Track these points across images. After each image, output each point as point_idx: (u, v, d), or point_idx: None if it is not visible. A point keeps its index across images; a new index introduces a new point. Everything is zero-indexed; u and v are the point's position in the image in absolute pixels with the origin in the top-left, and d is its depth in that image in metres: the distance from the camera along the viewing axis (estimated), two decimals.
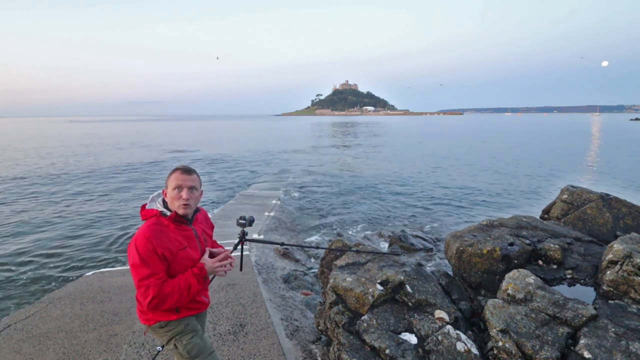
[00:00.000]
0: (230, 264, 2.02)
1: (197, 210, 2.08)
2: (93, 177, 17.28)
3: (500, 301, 2.75)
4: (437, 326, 2.64)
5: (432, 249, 7.56)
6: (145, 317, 1.93)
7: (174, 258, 1.85)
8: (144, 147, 34.27)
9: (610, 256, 3.00)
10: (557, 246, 3.48)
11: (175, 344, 1.95)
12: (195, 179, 1.95)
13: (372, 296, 2.88)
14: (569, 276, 3.21)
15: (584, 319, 2.47)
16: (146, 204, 1.96)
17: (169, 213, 1.91)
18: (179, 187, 1.89)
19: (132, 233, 9.03)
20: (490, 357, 2.47)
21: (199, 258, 1.98)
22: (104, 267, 6.38)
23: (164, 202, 1.96)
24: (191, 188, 1.91)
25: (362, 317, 2.78)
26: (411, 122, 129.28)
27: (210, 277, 2.07)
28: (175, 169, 1.94)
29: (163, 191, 1.98)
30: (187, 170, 1.93)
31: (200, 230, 2.06)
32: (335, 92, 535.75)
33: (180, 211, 1.90)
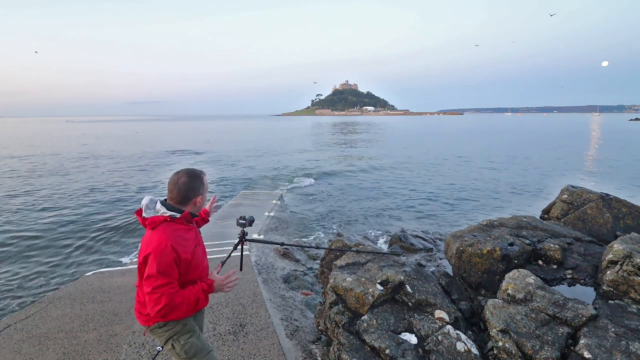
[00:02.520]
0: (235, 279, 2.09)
1: None
2: (91, 177, 17.28)
3: (500, 301, 2.75)
4: (437, 326, 2.64)
5: (432, 249, 7.55)
6: (144, 318, 1.93)
7: (193, 257, 1.88)
8: (144, 147, 34.26)
9: (610, 256, 3.00)
10: (557, 246, 3.48)
11: (172, 344, 1.94)
12: None
13: (372, 296, 2.88)
14: (569, 276, 3.21)
15: (584, 319, 2.47)
16: (140, 211, 1.89)
17: (178, 215, 1.89)
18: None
19: (133, 232, 9.03)
20: (490, 357, 2.47)
21: (203, 255, 2.03)
22: (104, 267, 6.38)
23: (163, 204, 1.90)
24: None
25: (362, 317, 2.78)
26: (411, 123, 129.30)
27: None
28: (204, 174, 2.02)
29: (198, 198, 1.99)
30: None
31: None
32: (335, 92, 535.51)
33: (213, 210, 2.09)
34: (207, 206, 2.45)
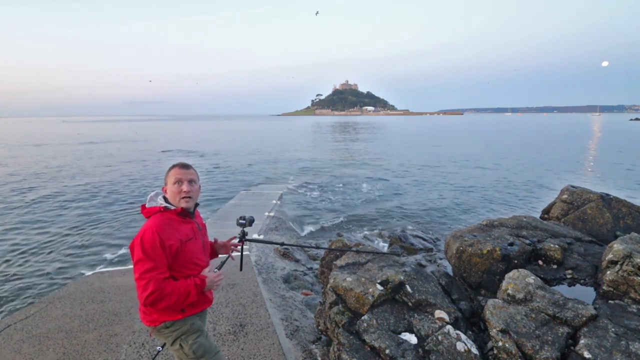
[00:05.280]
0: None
1: (197, 204, 2.13)
2: (92, 178, 17.28)
3: (500, 301, 2.75)
4: (437, 326, 2.64)
5: (432, 249, 7.55)
6: (149, 318, 1.92)
7: (182, 247, 1.88)
8: (144, 147, 34.27)
9: (610, 256, 3.00)
10: (557, 246, 3.48)
11: (180, 344, 1.94)
12: (193, 173, 2.01)
13: (372, 296, 2.88)
14: (569, 276, 3.21)
15: (584, 319, 2.47)
16: (145, 204, 1.98)
17: (173, 207, 1.94)
18: (179, 181, 1.94)
19: (133, 232, 9.03)
20: (490, 357, 2.47)
21: (201, 251, 2.03)
22: (104, 267, 6.39)
23: (164, 199, 1.98)
24: (190, 181, 1.97)
25: (362, 317, 2.78)
26: (412, 123, 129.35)
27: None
28: (173, 166, 1.99)
29: (163, 188, 2.01)
30: (184, 166, 1.99)
31: (201, 224, 2.14)
32: (335, 92, 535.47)
33: (183, 204, 1.95)
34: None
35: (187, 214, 1.98)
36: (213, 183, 16.33)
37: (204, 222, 2.24)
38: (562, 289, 3.00)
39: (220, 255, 2.38)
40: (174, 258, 1.86)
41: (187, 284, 1.85)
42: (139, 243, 1.78)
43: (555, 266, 3.37)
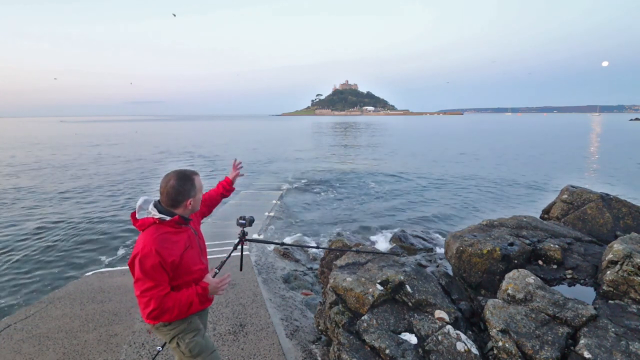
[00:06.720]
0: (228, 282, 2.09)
1: None
2: (92, 177, 17.28)
3: (500, 301, 2.75)
4: (437, 326, 2.64)
5: (432, 249, 7.55)
6: None
7: (181, 260, 1.85)
8: (145, 147, 34.28)
9: (610, 256, 3.00)
10: (557, 246, 3.48)
11: (178, 342, 1.96)
12: None
13: (372, 296, 2.88)
14: (569, 276, 3.21)
15: (584, 319, 2.47)
16: (134, 213, 1.88)
17: (168, 218, 1.86)
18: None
19: (133, 232, 9.03)
20: (490, 357, 2.47)
21: (199, 256, 2.02)
22: (104, 267, 6.39)
23: (156, 206, 1.89)
24: None
25: (362, 317, 2.78)
26: (412, 123, 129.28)
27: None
28: (196, 174, 1.98)
29: (188, 200, 1.91)
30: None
31: (196, 229, 2.12)
32: (335, 92, 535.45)
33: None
34: (230, 175, 2.62)
35: (183, 222, 1.91)
36: (213, 183, 16.33)
37: (199, 226, 2.22)
38: (562, 289, 3.00)
39: (217, 257, 2.38)
40: (175, 271, 1.85)
41: (188, 295, 1.84)
42: (137, 263, 1.74)
43: (555, 266, 3.37)
